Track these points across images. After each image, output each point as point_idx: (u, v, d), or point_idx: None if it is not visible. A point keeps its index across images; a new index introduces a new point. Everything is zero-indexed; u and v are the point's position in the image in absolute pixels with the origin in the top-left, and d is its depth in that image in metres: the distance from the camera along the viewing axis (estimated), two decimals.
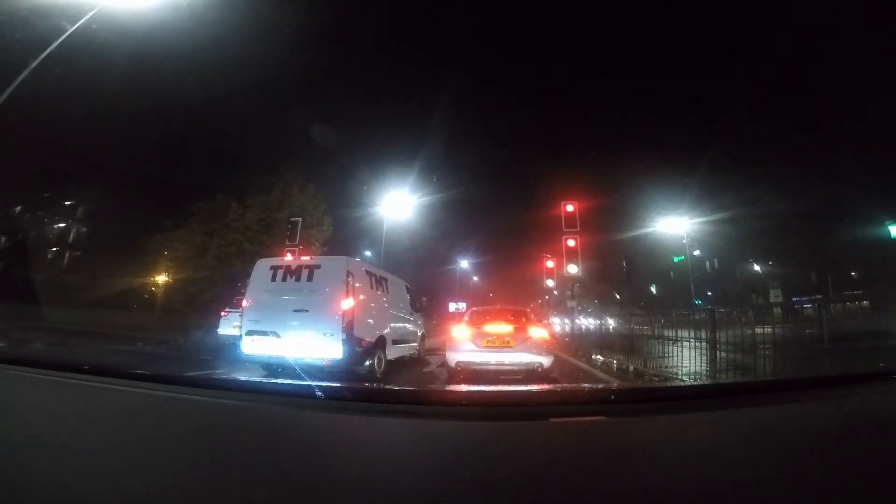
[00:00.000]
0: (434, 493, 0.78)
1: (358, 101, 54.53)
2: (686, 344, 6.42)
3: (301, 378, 1.58)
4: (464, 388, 2.58)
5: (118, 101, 19.24)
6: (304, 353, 6.39)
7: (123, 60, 15.55)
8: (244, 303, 7.29)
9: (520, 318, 7.27)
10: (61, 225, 28.86)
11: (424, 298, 12.48)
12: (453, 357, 6.83)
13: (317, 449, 1.02)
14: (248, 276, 7.69)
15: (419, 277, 24.47)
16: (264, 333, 6.61)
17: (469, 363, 6.64)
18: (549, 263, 22.71)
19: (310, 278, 6.81)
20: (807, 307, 6.17)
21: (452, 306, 30.94)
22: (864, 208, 25.69)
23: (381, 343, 7.49)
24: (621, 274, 33.29)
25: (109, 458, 0.94)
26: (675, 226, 26.67)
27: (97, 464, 0.91)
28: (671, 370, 6.48)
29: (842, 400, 1.38)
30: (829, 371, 3.76)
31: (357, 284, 6.97)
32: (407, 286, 10.11)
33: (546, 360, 6.62)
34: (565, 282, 16.49)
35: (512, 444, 1.00)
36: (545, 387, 1.86)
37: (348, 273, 6.83)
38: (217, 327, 11.78)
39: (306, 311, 6.61)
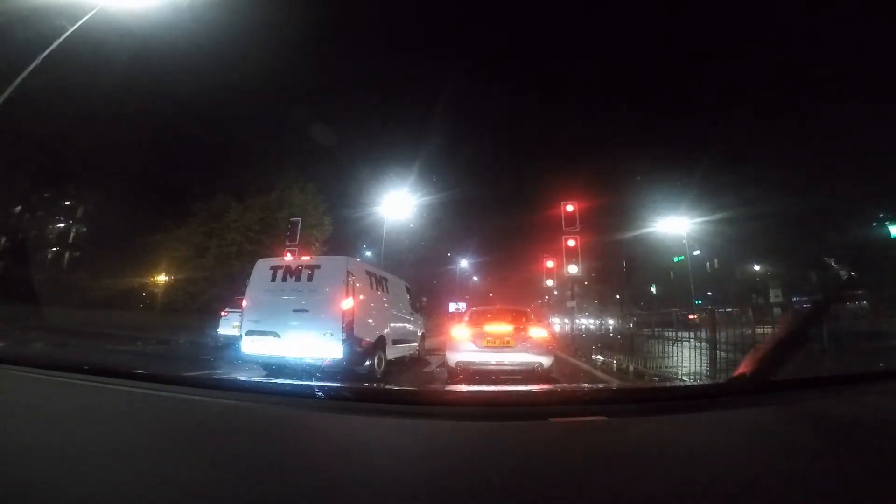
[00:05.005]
0: (434, 493, 0.78)
1: (358, 101, 54.64)
2: (686, 344, 6.43)
3: (301, 378, 1.58)
4: (464, 388, 2.58)
5: (118, 101, 19.25)
6: (304, 352, 6.39)
7: (123, 60, 15.59)
8: (244, 303, 7.27)
9: (520, 318, 7.26)
10: (61, 225, 28.88)
11: (424, 298, 12.51)
12: (453, 357, 6.82)
13: (317, 449, 1.02)
14: (248, 276, 7.69)
15: (419, 277, 24.57)
16: (264, 333, 6.61)
17: (469, 363, 6.63)
18: (550, 263, 22.71)
19: (310, 278, 6.80)
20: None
21: (452, 306, 30.98)
22: (863, 208, 25.70)
23: (381, 343, 7.48)
24: (621, 274, 33.26)
25: (109, 459, 0.94)
26: (675, 226, 26.68)
27: (97, 464, 0.91)
28: (671, 370, 6.48)
29: (842, 400, 1.38)
30: (829, 371, 3.76)
31: (357, 284, 6.97)
32: (407, 286, 10.11)
33: (546, 360, 6.61)
34: (565, 282, 16.50)
35: (512, 444, 1.00)
36: (545, 387, 1.86)
37: (348, 273, 6.82)
38: (217, 327, 11.78)
39: (306, 311, 6.61)
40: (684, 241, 27.50)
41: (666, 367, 6.67)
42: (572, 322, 16.12)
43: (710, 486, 0.80)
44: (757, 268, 35.08)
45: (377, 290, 8.00)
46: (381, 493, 0.78)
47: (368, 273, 7.89)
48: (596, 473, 0.86)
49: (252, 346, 6.67)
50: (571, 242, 12.92)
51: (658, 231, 27.55)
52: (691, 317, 12.13)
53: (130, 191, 22.75)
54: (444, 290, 37.88)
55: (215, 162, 25.44)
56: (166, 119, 23.15)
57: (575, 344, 13.12)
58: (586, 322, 16.03)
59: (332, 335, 6.37)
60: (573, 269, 13.09)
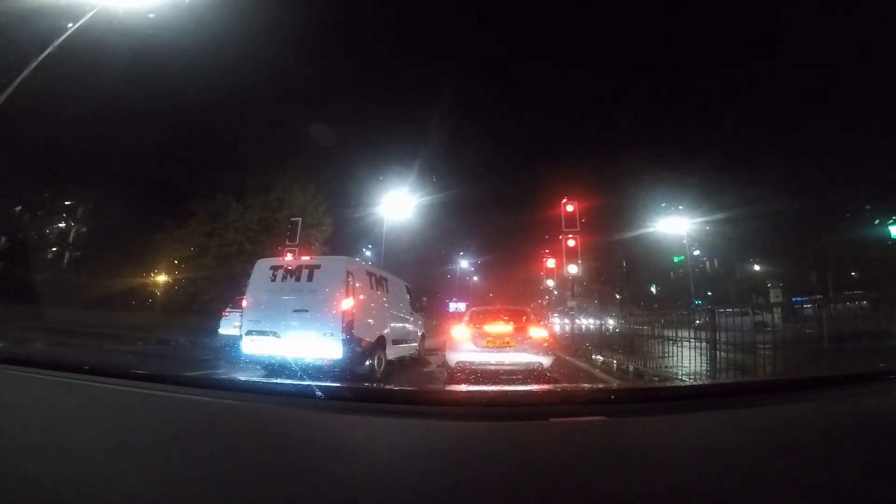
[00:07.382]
0: (434, 493, 0.78)
1: (358, 101, 54.55)
2: (686, 344, 6.42)
3: (301, 378, 1.58)
4: (464, 388, 2.58)
5: (118, 101, 19.21)
6: (304, 353, 6.39)
7: (123, 60, 15.55)
8: (244, 303, 7.28)
9: (520, 318, 7.25)
10: (61, 225, 28.82)
11: (424, 298, 12.49)
12: (453, 357, 6.82)
13: (317, 449, 1.02)
14: (248, 276, 7.69)
15: (419, 277, 24.53)
16: (264, 333, 6.61)
17: (469, 363, 6.63)
18: (550, 263, 22.74)
19: (310, 278, 6.80)
20: (807, 307, 6.16)
21: (452, 306, 30.93)
22: (864, 208, 25.70)
23: (381, 343, 7.49)
24: (621, 274, 33.26)
25: (109, 458, 0.94)
26: (675, 226, 26.73)
27: (97, 464, 0.91)
28: (671, 370, 6.47)
29: (842, 400, 1.38)
30: (828, 371, 3.76)
31: (357, 284, 6.97)
32: (407, 286, 10.11)
33: (546, 360, 6.61)
34: (565, 282, 16.54)
35: (512, 444, 1.00)
36: (545, 387, 1.86)
37: (348, 273, 6.82)
38: (217, 327, 11.78)
39: (306, 311, 6.61)
40: (684, 241, 27.55)
41: (666, 367, 6.65)
42: (572, 322, 16.14)
43: (710, 485, 0.80)
44: (757, 268, 35.06)
45: (377, 290, 8.00)
46: (381, 492, 0.78)
47: (368, 273, 7.89)
48: (596, 473, 0.86)
49: (252, 346, 6.67)
50: (571, 242, 12.96)
51: (658, 231, 27.59)
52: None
53: (131, 191, 22.71)
54: (444, 290, 37.95)
55: (215, 162, 25.46)
56: (167, 119, 23.07)
57: (575, 344, 13.10)
58: (586, 322, 16.02)
59: (331, 335, 6.37)
60: (573, 269, 13.14)
